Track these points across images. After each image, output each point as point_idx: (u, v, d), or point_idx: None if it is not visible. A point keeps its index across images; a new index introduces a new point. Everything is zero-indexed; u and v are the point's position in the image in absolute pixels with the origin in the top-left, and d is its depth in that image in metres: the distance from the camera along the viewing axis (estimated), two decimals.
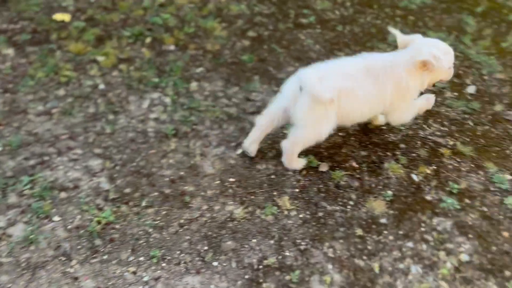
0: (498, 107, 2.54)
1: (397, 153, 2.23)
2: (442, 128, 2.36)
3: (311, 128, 1.95)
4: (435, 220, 1.92)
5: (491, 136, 2.33)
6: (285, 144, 2.03)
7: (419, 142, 2.28)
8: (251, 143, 2.10)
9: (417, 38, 2.02)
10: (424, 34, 3.07)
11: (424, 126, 2.37)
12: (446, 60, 1.96)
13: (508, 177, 2.10)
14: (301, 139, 2.00)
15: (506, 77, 2.81)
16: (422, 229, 1.89)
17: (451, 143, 2.27)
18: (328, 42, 3.00)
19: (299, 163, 2.09)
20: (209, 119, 2.38)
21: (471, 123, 2.41)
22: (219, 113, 2.41)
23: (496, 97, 2.63)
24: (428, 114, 2.43)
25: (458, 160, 2.18)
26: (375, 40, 3.06)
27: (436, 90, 2.60)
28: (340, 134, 2.29)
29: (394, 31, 2.05)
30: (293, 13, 3.25)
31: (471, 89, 2.66)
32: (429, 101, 2.15)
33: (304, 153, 2.13)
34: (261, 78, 2.65)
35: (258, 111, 2.37)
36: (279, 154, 2.14)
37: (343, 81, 1.88)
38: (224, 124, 2.35)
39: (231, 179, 2.08)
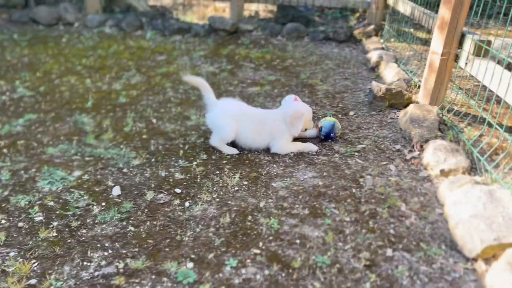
0: (149, 195, 2.41)
1: None
2: (105, 253, 1.99)
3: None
4: None
5: (156, 231, 2.14)
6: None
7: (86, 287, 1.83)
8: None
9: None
10: (42, 154, 2.68)
11: (84, 263, 1.94)
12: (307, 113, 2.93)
13: (190, 265, 1.93)
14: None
15: (143, 160, 2.75)
16: None
17: (122, 265, 1.93)
18: None
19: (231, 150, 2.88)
20: None
21: (132, 228, 2.15)
22: None
23: (143, 185, 2.50)
24: (84, 245, 2.02)
25: (137, 280, 1.86)
26: None
27: (81, 211, 2.23)
28: None
29: None
30: None
31: (116, 191, 2.43)
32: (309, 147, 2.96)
33: None
34: None
35: None
36: None
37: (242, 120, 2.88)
38: None
39: None
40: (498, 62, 2.70)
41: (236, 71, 4.50)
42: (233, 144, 2.92)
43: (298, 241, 2.08)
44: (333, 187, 2.54)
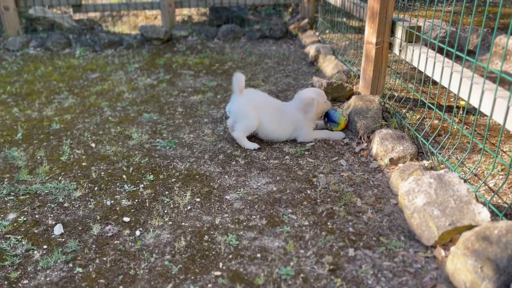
0: (96, 229, 2.23)
1: None
2: None
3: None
4: None
5: (107, 268, 1.98)
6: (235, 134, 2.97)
7: None
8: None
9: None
10: None
11: None
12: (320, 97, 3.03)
13: None
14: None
15: (85, 191, 2.56)
16: None
17: None
18: None
19: (252, 145, 2.95)
20: None
21: (80, 270, 1.97)
22: None
23: (87, 219, 2.32)
24: None
25: None
26: None
27: (20, 259, 2.02)
28: None
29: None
30: None
31: (58, 230, 2.23)
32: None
33: None
34: None
35: None
36: None
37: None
38: None
39: None
40: (430, 46, 2.76)
41: (175, 81, 4.36)
42: (251, 138, 3.05)
43: (259, 255, 2.01)
44: (288, 191, 2.49)
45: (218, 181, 2.60)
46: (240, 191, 2.49)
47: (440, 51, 2.59)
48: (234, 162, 2.81)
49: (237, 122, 2.95)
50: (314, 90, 3.03)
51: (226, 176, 2.65)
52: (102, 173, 2.75)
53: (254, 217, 2.28)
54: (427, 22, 3.52)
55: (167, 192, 2.52)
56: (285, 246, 2.05)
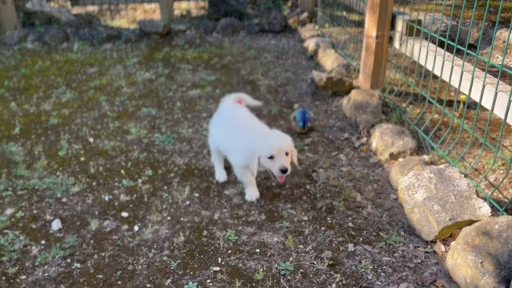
0: (94, 224, 2.21)
1: None
2: None
3: None
4: None
5: (106, 263, 1.97)
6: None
7: None
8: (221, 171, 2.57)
9: None
10: None
11: None
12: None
13: None
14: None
15: (83, 186, 2.54)
16: None
17: None
18: None
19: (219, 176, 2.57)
20: None
21: (78, 265, 1.96)
22: None
23: (85, 214, 2.31)
24: None
25: None
26: None
27: (18, 255, 2.01)
28: None
29: None
30: None
31: (56, 225, 2.22)
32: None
33: None
34: None
35: None
36: None
37: None
38: None
39: None
40: (431, 40, 2.74)
41: (173, 75, 4.33)
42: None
43: (258, 250, 2.00)
44: (287, 186, 2.47)
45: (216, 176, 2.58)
46: (239, 186, 2.48)
47: (441, 45, 2.56)
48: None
49: None
50: (280, 138, 2.20)
51: (225, 171, 2.63)
52: (101, 168, 2.73)
53: (253, 212, 2.27)
54: (428, 16, 3.49)
55: (166, 187, 2.50)
56: (284, 241, 2.04)
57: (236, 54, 4.93)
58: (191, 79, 4.20)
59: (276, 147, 2.13)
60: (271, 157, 2.14)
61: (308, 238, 2.06)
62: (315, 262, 1.91)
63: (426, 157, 2.49)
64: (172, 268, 1.92)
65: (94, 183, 2.57)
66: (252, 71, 4.35)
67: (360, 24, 4.50)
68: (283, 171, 2.13)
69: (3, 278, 1.91)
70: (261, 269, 1.88)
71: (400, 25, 2.97)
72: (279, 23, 5.81)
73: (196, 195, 2.43)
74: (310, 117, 3.02)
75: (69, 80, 4.27)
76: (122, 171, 2.68)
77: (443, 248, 1.91)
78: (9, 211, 2.35)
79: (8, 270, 1.94)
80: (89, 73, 4.48)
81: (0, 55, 5.18)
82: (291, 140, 2.24)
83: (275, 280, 1.82)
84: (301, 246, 2.01)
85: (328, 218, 2.19)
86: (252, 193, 2.37)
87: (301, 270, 1.87)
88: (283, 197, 2.37)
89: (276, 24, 5.80)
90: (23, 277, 1.91)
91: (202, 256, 1.97)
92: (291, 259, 1.93)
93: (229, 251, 2.00)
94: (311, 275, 1.84)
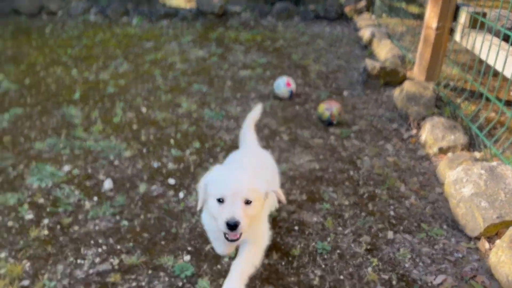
0: (142, 187, 2.34)
1: None
2: (99, 250, 1.93)
3: None
4: None
5: (151, 224, 2.08)
6: None
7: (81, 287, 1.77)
8: None
9: None
10: (29, 149, 2.60)
11: (78, 261, 1.88)
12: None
13: (187, 257, 1.88)
14: None
15: (134, 152, 2.67)
16: None
17: (117, 261, 1.87)
18: None
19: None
20: None
21: (126, 223, 2.09)
22: None
23: (135, 177, 2.43)
24: (77, 242, 1.96)
25: (133, 276, 1.81)
26: None
27: (72, 208, 2.17)
28: None
29: None
30: None
31: (107, 184, 2.36)
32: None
33: None
34: None
35: None
36: None
37: None
38: None
39: None
40: (495, 34, 2.63)
41: (226, 55, 4.40)
42: None
43: (296, 227, 2.03)
44: (330, 170, 2.48)
45: None
46: (283, 165, 2.51)
47: (505, 40, 2.45)
48: (278, 138, 2.83)
49: None
50: (244, 178, 1.53)
51: (270, 151, 2.67)
52: (151, 136, 2.85)
53: (295, 191, 2.30)
54: (493, 12, 3.34)
55: (212, 160, 2.58)
56: (323, 222, 2.07)
57: (289, 39, 4.93)
58: (242, 60, 4.25)
59: (230, 187, 1.45)
60: (220, 200, 1.46)
61: (348, 222, 2.07)
62: (352, 245, 1.92)
63: (477, 154, 2.41)
64: None
65: (144, 150, 2.70)
66: (304, 56, 4.34)
67: (419, 17, 4.36)
68: (231, 225, 1.40)
69: (58, 227, 2.06)
70: (299, 246, 1.92)
71: (463, 17, 2.86)
72: (335, 11, 5.73)
73: None
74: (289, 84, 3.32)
75: (126, 53, 4.44)
76: (171, 141, 2.79)
77: (487, 245, 1.87)
78: (66, 168, 2.51)
79: (63, 220, 2.09)
80: (146, 47, 4.63)
81: (64, 25, 5.45)
82: (263, 184, 1.53)
83: (311, 258, 1.85)
84: (340, 229, 2.02)
85: (370, 205, 2.19)
86: (218, 249, 1.70)
87: (338, 251, 1.89)
88: (325, 181, 2.38)
89: (331, 12, 5.73)
90: (76, 228, 2.05)
91: None
92: (329, 239, 1.96)
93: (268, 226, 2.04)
94: (347, 257, 1.86)
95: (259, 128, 2.94)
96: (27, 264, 1.84)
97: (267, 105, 3.29)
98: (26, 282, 1.76)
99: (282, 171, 2.47)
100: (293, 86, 3.37)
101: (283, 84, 3.35)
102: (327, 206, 2.17)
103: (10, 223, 2.08)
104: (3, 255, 1.89)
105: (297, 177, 2.42)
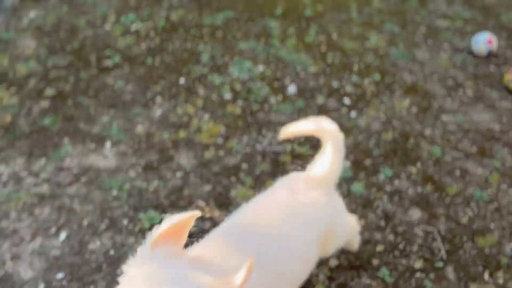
0: (320, 100, 2.60)
1: (241, 175, 2.08)
2: (277, 135, 2.29)
3: None
4: None
5: None
6: None
7: (259, 157, 2.16)
8: None
9: None
10: (235, 46, 3.06)
11: (259, 138, 2.28)
12: None
13: (347, 164, 2.11)
14: None
15: (318, 70, 2.92)
16: None
17: (289, 148, 2.20)
18: (141, 79, 2.75)
19: None
20: (15, 209, 1.90)
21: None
22: (27, 197, 1.95)
23: (316, 90, 2.70)
24: (260, 125, 2.36)
25: (300, 162, 2.12)
26: (190, 64, 2.91)
27: (261, 99, 2.56)
28: (177, 176, 2.05)
29: None
30: (94, 58, 2.91)
31: (292, 89, 2.68)
32: None
33: (143, 210, 1.84)
34: (72, 139, 2.27)
35: (76, 179, 2.01)
36: (113, 223, 1.81)
37: None
38: (36, 209, 1.91)
39: (60, 275, 1.67)
40: None
41: (427, 2, 4.22)
42: None
43: (458, 172, 2.07)
44: (511, 134, 2.37)
45: (440, 102, 2.63)
46: (459, 117, 2.49)
47: None
48: (461, 92, 2.76)
49: None
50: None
51: (449, 100, 2.65)
52: (337, 60, 3.05)
53: (465, 142, 2.29)
54: None
55: (388, 93, 2.69)
56: (487, 177, 2.06)
57: None
58: (443, 10, 4.04)
59: None
60: None
61: None
62: None
63: None
64: (374, 154, 2.17)
65: (328, 70, 2.92)
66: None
67: None
68: None
69: (248, 110, 2.47)
70: (456, 187, 1.97)
71: None
72: None
73: (414, 109, 2.55)
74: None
75: None
76: (354, 68, 2.95)
77: None
78: (261, 67, 2.91)
79: (253, 106, 2.50)
80: None
81: None
82: None
83: (466, 201, 1.91)
84: (504, 187, 2.00)
85: None
86: None
87: (495, 205, 1.90)
88: (502, 142, 2.31)
89: None
90: (262, 115, 2.44)
91: (403, 156, 2.16)
92: (489, 191, 1.96)
93: (430, 162, 2.13)
94: (504, 212, 1.86)
95: (443, 77, 2.89)
96: (222, 128, 2.30)
97: (458, 59, 3.16)
98: (220, 140, 2.22)
99: (457, 122, 2.46)
100: (494, 45, 3.14)
101: (484, 41, 3.16)
102: (496, 164, 2.13)
103: (213, 97, 2.57)
104: (206, 117, 2.39)
105: (472, 130, 2.38)
